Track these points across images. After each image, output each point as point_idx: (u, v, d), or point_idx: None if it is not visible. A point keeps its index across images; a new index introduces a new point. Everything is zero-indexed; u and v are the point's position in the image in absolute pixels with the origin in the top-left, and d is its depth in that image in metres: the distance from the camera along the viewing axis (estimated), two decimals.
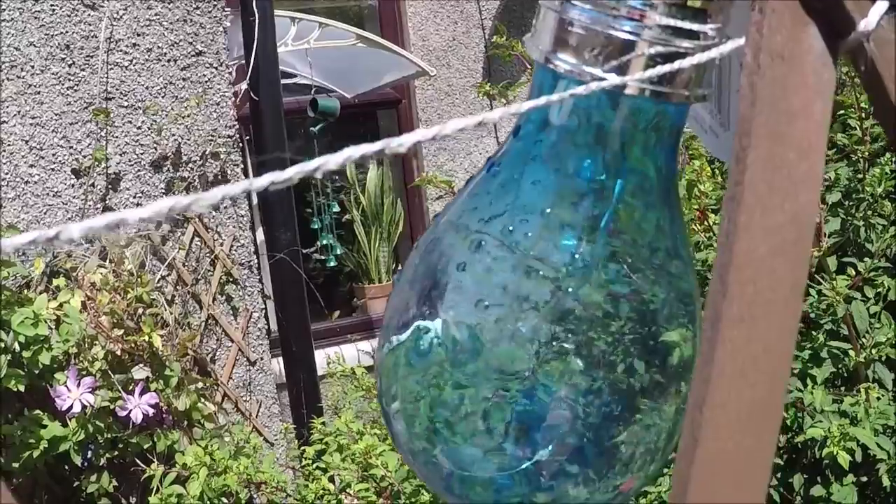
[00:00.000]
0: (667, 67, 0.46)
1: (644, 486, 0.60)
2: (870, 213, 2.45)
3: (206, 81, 3.89)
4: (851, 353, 2.31)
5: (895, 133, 0.49)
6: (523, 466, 0.57)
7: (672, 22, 0.49)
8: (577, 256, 0.54)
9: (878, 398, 2.21)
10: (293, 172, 0.36)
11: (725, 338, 0.41)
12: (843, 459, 2.06)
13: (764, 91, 0.45)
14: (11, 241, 0.35)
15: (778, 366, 0.42)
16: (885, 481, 2.15)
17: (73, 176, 3.69)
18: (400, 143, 0.36)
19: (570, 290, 0.54)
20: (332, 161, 0.36)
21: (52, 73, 3.64)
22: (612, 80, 0.48)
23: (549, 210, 0.55)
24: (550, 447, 0.57)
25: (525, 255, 0.55)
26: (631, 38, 0.49)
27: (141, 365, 3.33)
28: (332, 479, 2.79)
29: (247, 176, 4.10)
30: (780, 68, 0.45)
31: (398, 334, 0.59)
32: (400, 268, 6.09)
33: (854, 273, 2.39)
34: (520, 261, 0.55)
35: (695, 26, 0.49)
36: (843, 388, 2.39)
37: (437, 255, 0.58)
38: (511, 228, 0.55)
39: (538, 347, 0.55)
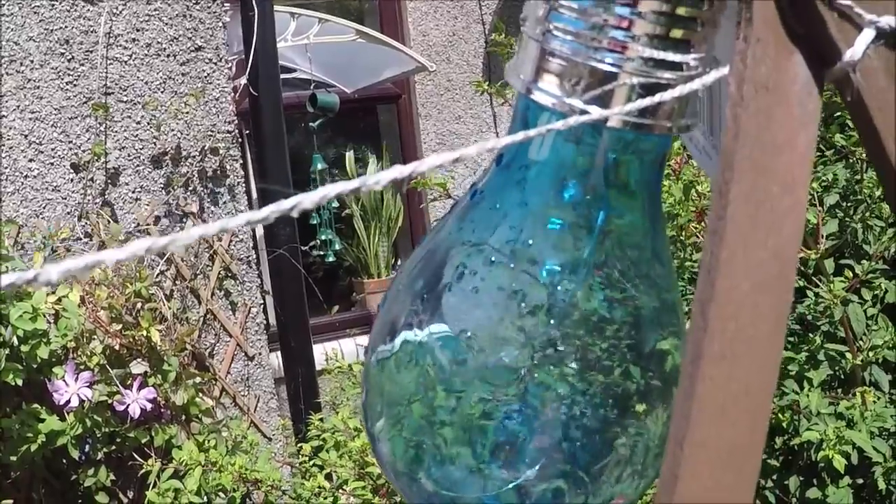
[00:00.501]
0: (647, 101, 0.46)
1: (634, 502, 0.60)
2: (868, 214, 2.44)
3: (206, 77, 3.89)
4: (848, 355, 2.30)
5: (880, 162, 0.49)
6: (509, 486, 0.57)
7: (654, 54, 0.48)
8: (560, 285, 0.54)
9: (875, 401, 2.21)
10: (269, 212, 0.36)
11: (706, 375, 0.41)
12: (839, 463, 2.06)
13: (748, 123, 0.44)
14: None
15: (759, 404, 0.42)
16: (881, 484, 2.15)
17: (72, 170, 3.69)
18: (377, 180, 0.36)
19: (554, 315, 0.54)
20: (307, 199, 0.36)
21: (52, 68, 3.64)
22: (594, 114, 0.47)
23: (531, 240, 0.55)
24: (537, 467, 0.57)
25: (509, 281, 0.55)
26: (613, 69, 0.49)
27: (139, 359, 3.33)
28: (328, 477, 2.80)
29: (245, 171, 4.10)
30: (765, 99, 0.45)
31: (383, 352, 0.58)
32: (399, 263, 6.11)
33: (851, 275, 2.38)
34: (505, 285, 0.55)
35: (677, 57, 0.49)
36: (839, 391, 2.38)
37: (423, 276, 0.58)
38: (493, 259, 0.55)
39: (524, 368, 0.55)
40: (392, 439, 0.59)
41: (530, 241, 0.54)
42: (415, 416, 0.58)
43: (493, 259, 0.55)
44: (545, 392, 0.56)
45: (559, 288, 0.54)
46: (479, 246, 0.55)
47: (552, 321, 0.54)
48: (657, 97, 0.45)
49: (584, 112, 0.48)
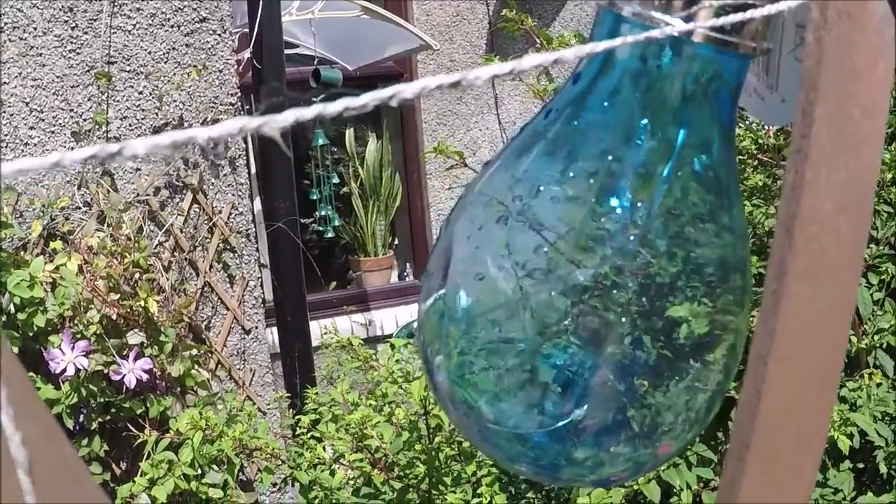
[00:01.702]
0: (739, 16, 0.46)
1: (679, 451, 0.60)
2: (875, 199, 2.45)
3: (209, 48, 3.87)
4: (853, 339, 2.31)
5: None
6: (559, 424, 0.57)
7: None
8: (637, 207, 0.53)
9: (879, 385, 2.21)
10: (368, 99, 0.35)
11: (791, 291, 0.41)
12: (844, 444, 2.06)
13: (831, 47, 0.44)
14: (69, 156, 0.34)
15: (839, 327, 0.42)
16: (882, 468, 2.15)
17: (72, 139, 3.68)
18: (477, 75, 0.36)
19: (622, 244, 0.54)
20: (408, 90, 0.35)
21: (55, 36, 3.62)
22: (682, 25, 0.47)
23: (609, 157, 0.54)
24: (587, 407, 0.56)
25: (579, 206, 0.54)
26: None
27: (136, 330, 3.32)
28: (325, 450, 2.79)
29: (246, 144, 4.08)
30: (847, 25, 0.45)
31: (439, 289, 0.58)
32: (396, 242, 6.10)
33: None
34: (571, 211, 0.54)
35: None
36: (843, 374, 2.39)
37: (483, 205, 0.57)
38: (572, 174, 0.54)
39: (580, 305, 0.54)
40: (449, 372, 0.59)
41: (610, 157, 0.54)
42: (470, 352, 0.57)
43: (572, 175, 0.54)
44: (599, 334, 0.55)
45: (638, 207, 0.53)
46: (548, 166, 0.55)
47: (619, 252, 0.53)
48: (748, 13, 0.45)
49: (669, 25, 0.47)
